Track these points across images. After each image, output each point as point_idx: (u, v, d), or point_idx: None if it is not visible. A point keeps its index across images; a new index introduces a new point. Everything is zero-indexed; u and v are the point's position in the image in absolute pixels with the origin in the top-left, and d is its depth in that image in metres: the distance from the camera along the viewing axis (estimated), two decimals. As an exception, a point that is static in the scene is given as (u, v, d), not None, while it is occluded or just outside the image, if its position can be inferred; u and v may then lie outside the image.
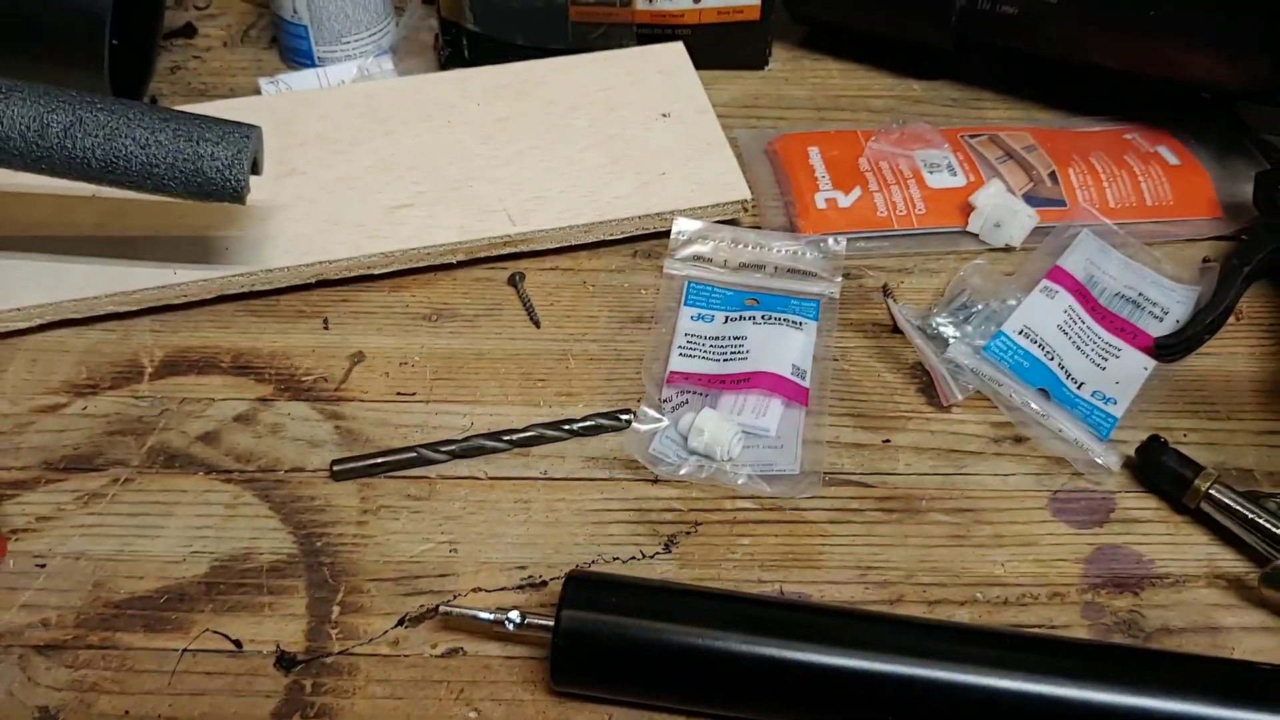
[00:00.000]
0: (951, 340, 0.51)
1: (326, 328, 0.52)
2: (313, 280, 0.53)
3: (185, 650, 0.41)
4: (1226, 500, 0.44)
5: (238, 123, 0.47)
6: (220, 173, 0.45)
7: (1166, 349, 0.52)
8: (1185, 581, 0.44)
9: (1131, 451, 0.47)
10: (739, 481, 0.46)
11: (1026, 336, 0.51)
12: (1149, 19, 0.58)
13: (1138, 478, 0.47)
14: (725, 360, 0.50)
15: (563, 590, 0.38)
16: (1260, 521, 0.44)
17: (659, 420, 0.48)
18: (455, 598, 0.42)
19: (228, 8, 0.71)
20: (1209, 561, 0.45)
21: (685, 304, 0.53)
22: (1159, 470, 0.46)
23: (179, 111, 0.47)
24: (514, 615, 0.39)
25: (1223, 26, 0.57)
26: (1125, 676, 0.38)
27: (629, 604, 0.38)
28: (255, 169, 0.48)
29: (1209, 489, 0.44)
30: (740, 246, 0.55)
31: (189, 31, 0.69)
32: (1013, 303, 0.53)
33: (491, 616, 0.39)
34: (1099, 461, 0.47)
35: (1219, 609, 0.43)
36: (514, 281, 0.54)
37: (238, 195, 0.46)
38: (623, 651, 0.37)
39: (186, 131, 0.46)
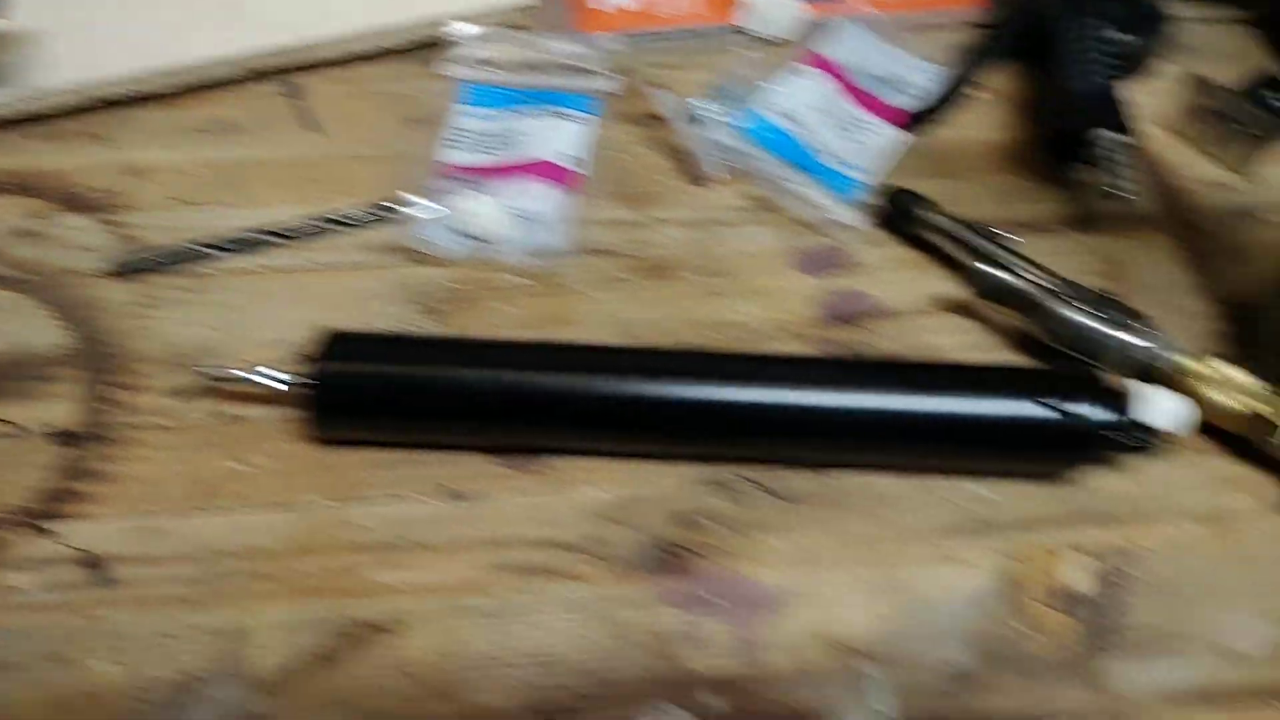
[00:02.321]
0: (711, 122, 0.54)
1: (105, 146, 0.53)
2: (89, 102, 0.54)
3: (-37, 432, 0.43)
4: (945, 225, 0.49)
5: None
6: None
7: (914, 120, 0.55)
8: (910, 314, 0.49)
9: (873, 213, 0.52)
10: (508, 259, 0.49)
11: (780, 114, 0.54)
12: None
13: (876, 230, 0.51)
14: (499, 152, 0.53)
15: (322, 343, 0.41)
16: (967, 236, 0.49)
17: (431, 209, 0.51)
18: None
19: None
20: (932, 296, 0.49)
21: (463, 103, 0.55)
22: (891, 203, 0.51)
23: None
24: (277, 373, 0.42)
25: None
26: (853, 380, 0.42)
27: (387, 351, 0.41)
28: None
29: (932, 215, 0.49)
30: (519, 48, 0.57)
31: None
32: (774, 87, 0.56)
33: (254, 376, 0.42)
34: (840, 220, 0.51)
35: (939, 333, 0.48)
36: (291, 92, 0.55)
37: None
38: (381, 393, 0.41)
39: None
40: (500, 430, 0.42)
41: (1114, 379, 0.43)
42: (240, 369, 0.42)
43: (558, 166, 0.52)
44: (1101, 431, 0.42)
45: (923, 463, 0.44)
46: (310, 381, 0.41)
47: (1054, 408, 0.41)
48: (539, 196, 0.51)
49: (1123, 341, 0.45)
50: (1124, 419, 0.42)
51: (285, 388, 0.41)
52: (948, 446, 0.43)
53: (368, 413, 0.41)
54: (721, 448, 0.43)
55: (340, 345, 0.41)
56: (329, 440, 0.42)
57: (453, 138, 0.53)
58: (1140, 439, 0.42)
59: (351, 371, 0.41)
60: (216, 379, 0.42)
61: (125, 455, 0.42)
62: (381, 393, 0.41)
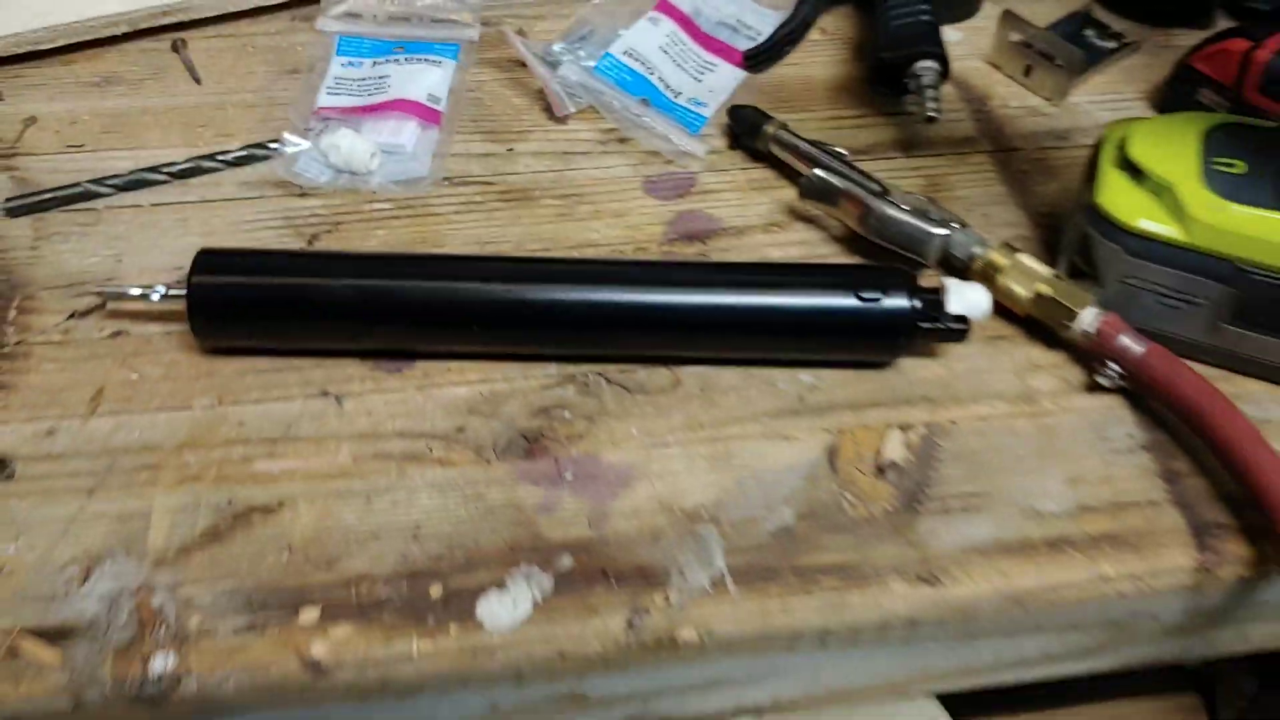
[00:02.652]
0: (568, 64, 0.59)
1: (0, 99, 0.56)
2: (-18, 60, 0.57)
3: None
4: (788, 138, 0.55)
5: None
6: None
7: (752, 59, 0.61)
8: (750, 230, 0.54)
9: (721, 133, 0.57)
10: (376, 189, 0.54)
11: (631, 56, 0.60)
12: None
13: (721, 158, 0.57)
14: (370, 95, 0.57)
15: (194, 260, 0.45)
16: (803, 146, 0.54)
17: (305, 146, 0.55)
18: (119, 294, 0.49)
19: None
20: (768, 216, 0.55)
21: (337, 54, 0.59)
22: (739, 121, 0.56)
23: None
24: (159, 288, 0.46)
25: None
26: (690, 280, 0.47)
27: (253, 264, 0.46)
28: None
29: (776, 130, 0.55)
30: (388, 2, 0.61)
31: None
32: (626, 33, 0.61)
33: (139, 291, 0.46)
34: (687, 150, 0.57)
35: (777, 248, 0.53)
36: (176, 47, 0.59)
37: None
38: (248, 300, 0.45)
39: None
40: (363, 333, 0.46)
41: (930, 274, 0.48)
42: (135, 287, 0.46)
43: (423, 105, 0.56)
44: (917, 321, 0.47)
45: (757, 354, 0.49)
46: (182, 293, 0.45)
47: (872, 300, 0.47)
48: (404, 132, 0.55)
49: (937, 236, 0.51)
50: (937, 309, 0.47)
51: (159, 298, 0.46)
52: (778, 338, 0.48)
53: (238, 319, 0.45)
54: (571, 345, 0.48)
55: (210, 260, 0.45)
56: (213, 350, 0.47)
57: (328, 85, 0.57)
58: (952, 328, 0.48)
59: (220, 283, 0.45)
60: (99, 294, 0.47)
61: (25, 369, 0.46)
62: (248, 300, 0.45)
